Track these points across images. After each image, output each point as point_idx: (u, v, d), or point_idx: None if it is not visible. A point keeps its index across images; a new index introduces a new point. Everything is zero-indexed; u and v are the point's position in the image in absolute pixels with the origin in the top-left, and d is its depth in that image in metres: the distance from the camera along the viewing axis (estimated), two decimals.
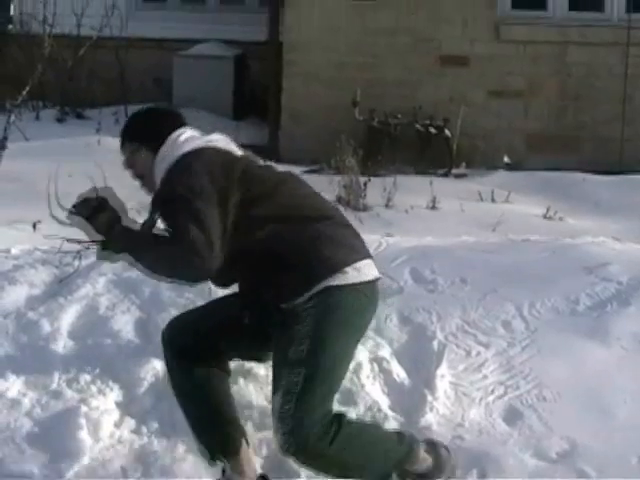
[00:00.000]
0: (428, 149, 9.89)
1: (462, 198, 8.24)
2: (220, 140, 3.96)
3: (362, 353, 4.55)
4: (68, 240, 5.61)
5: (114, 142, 9.57)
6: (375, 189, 8.05)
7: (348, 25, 10.07)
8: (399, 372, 4.56)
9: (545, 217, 7.89)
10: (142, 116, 4.16)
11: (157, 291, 4.89)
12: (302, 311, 3.66)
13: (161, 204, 3.81)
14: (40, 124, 11.10)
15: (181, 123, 4.03)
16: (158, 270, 3.85)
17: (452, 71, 10.08)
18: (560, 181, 9.10)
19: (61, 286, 5.06)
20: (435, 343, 4.71)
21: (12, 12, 14.28)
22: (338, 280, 3.67)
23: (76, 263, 5.03)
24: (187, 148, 3.83)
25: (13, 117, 7.11)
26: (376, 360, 4.60)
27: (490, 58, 10.03)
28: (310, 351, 3.61)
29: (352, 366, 4.50)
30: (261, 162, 3.97)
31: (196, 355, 3.91)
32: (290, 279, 3.69)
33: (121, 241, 3.92)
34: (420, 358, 4.65)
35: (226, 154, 3.86)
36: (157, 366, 4.43)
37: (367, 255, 3.86)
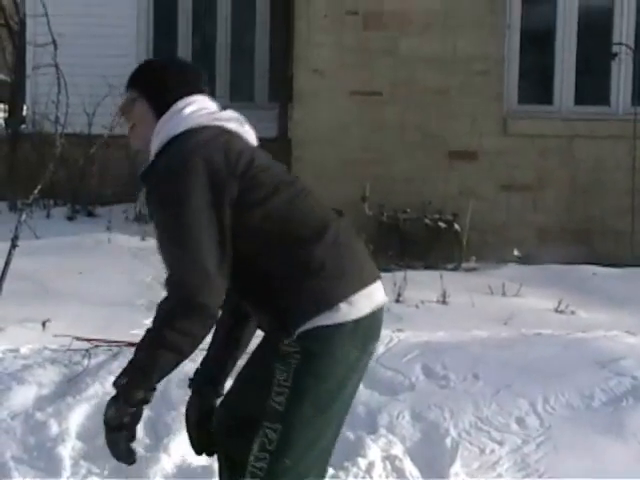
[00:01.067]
0: (437, 243, 9.89)
1: (473, 292, 8.21)
2: (232, 119, 3.35)
3: (374, 451, 4.49)
4: (77, 338, 5.61)
5: (124, 240, 9.72)
6: (385, 284, 7.94)
7: (356, 121, 10.15)
8: (412, 470, 4.50)
9: (557, 311, 7.84)
10: (155, 65, 3.57)
11: (166, 389, 4.85)
12: (287, 354, 3.09)
13: (149, 204, 3.21)
14: (51, 222, 11.16)
15: (197, 88, 3.39)
16: (172, 353, 3.02)
17: (461, 166, 10.12)
18: (571, 274, 9.07)
19: (70, 385, 5.03)
20: (448, 440, 4.65)
21: (25, 112, 14.48)
22: (327, 319, 3.06)
23: (85, 362, 5.01)
24: (187, 125, 3.25)
25: (24, 216, 7.13)
26: (388, 458, 4.54)
27: (498, 152, 10.08)
28: (288, 405, 3.08)
29: (364, 465, 4.44)
30: (269, 160, 3.33)
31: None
32: (276, 312, 3.13)
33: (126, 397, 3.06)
34: (433, 456, 4.59)
35: (236, 139, 3.28)
36: (167, 466, 4.38)
37: (368, 279, 3.25)
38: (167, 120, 3.27)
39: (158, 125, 3.28)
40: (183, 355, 3.02)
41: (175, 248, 3.04)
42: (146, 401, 3.03)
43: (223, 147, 3.16)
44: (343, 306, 3.09)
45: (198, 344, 3.04)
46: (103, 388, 4.96)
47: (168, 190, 3.07)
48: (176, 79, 3.37)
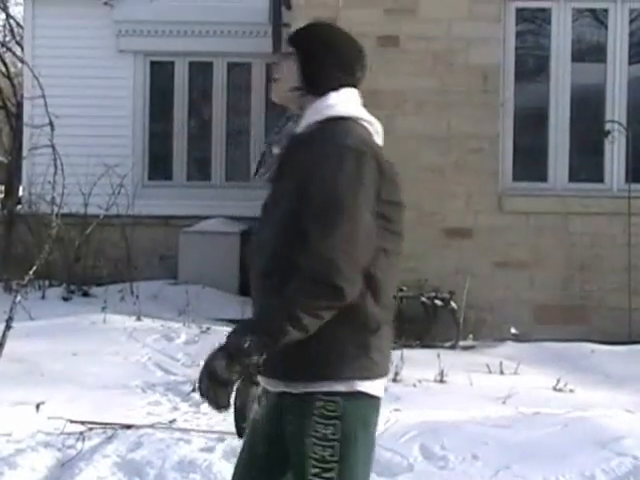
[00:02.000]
0: (434, 322, 9.85)
1: (470, 370, 8.16)
2: (379, 134, 3.29)
3: None
4: (71, 421, 5.55)
5: (120, 320, 9.68)
6: None
7: None
8: None
9: (555, 389, 7.79)
10: (324, 36, 3.30)
11: (162, 473, 4.79)
12: (323, 417, 2.95)
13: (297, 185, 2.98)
14: (46, 303, 11.12)
15: (352, 79, 3.29)
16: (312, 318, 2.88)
17: (457, 243, 10.13)
18: (569, 352, 9.03)
19: (64, 470, 4.96)
20: None
21: (21, 193, 14.54)
22: (369, 388, 2.97)
23: (79, 445, 4.95)
24: (349, 113, 3.15)
25: (19, 297, 7.11)
26: None
27: (494, 230, 10.10)
28: None
29: None
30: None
31: None
32: (308, 352, 2.93)
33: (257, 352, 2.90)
34: None
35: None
36: None
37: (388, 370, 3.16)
38: (330, 106, 3.13)
39: (318, 103, 3.13)
40: (307, 334, 2.87)
41: (333, 229, 2.89)
42: (257, 365, 2.91)
43: (381, 158, 3.08)
44: (381, 382, 3.03)
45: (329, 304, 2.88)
46: (97, 472, 4.90)
47: (347, 167, 2.96)
48: (337, 62, 3.25)
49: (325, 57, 3.22)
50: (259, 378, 3.07)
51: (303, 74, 3.18)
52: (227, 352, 2.87)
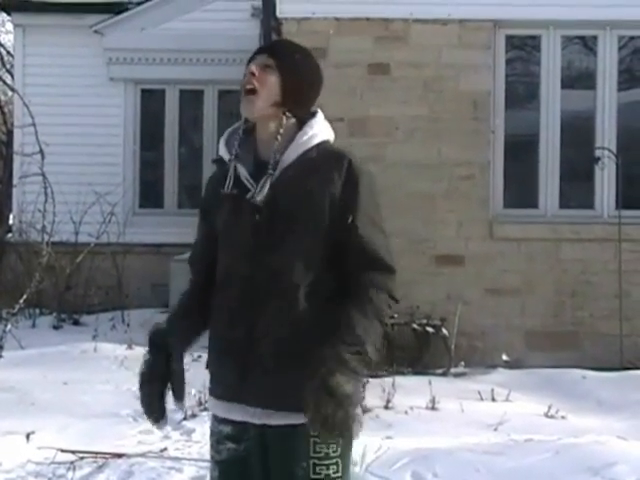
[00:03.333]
0: (426, 348, 9.84)
1: (462, 397, 8.14)
2: None
3: None
4: (62, 450, 5.52)
5: (111, 348, 9.65)
6: (374, 390, 7.96)
7: None
8: None
9: (547, 415, 7.77)
10: (305, 51, 3.22)
11: None
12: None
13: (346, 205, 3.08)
14: (36, 331, 11.09)
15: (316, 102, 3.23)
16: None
17: (448, 270, 10.12)
18: (560, 378, 9.02)
19: None
20: None
21: (11, 221, 14.52)
22: None
23: (70, 475, 4.92)
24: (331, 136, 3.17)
25: (9, 326, 7.09)
26: None
27: (485, 256, 10.10)
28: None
29: None
30: None
31: None
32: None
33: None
34: None
35: None
36: None
37: None
38: (325, 125, 3.16)
39: (307, 127, 3.09)
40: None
41: (385, 239, 3.17)
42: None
43: None
44: None
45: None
46: None
47: (375, 186, 3.19)
48: (315, 81, 3.19)
49: (305, 74, 3.15)
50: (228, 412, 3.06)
51: (284, 89, 3.07)
52: (347, 372, 2.86)
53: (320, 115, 3.16)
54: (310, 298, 2.99)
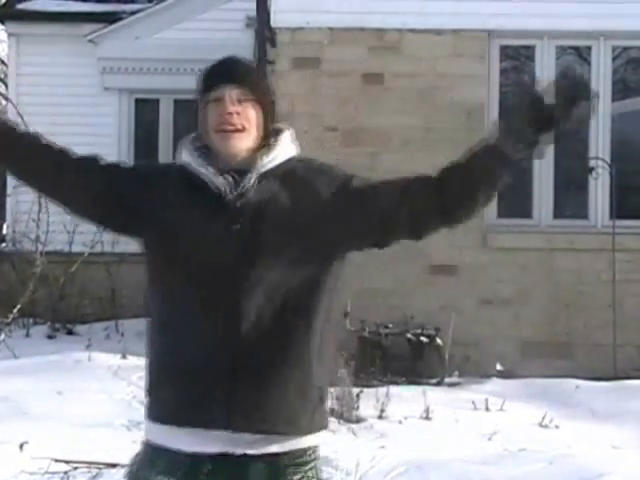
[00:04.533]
0: (420, 358, 9.84)
1: (456, 407, 8.14)
2: None
3: None
4: (56, 460, 5.51)
5: (105, 358, 9.62)
6: (368, 400, 7.96)
7: None
8: None
9: (541, 425, 7.77)
10: (255, 70, 3.17)
11: None
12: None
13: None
14: (30, 341, 11.07)
15: None
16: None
17: (442, 280, 10.13)
18: (554, 388, 9.02)
19: None
20: None
21: (5, 231, 14.50)
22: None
23: None
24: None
25: (3, 336, 7.09)
26: None
27: (479, 266, 10.10)
28: None
29: None
30: None
31: None
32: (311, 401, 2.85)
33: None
34: None
35: None
36: None
37: None
38: (291, 143, 3.02)
39: (285, 140, 2.97)
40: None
41: None
42: None
43: None
44: None
45: None
46: None
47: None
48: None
49: (271, 94, 3.05)
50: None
51: (265, 119, 2.93)
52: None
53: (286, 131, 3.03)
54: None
